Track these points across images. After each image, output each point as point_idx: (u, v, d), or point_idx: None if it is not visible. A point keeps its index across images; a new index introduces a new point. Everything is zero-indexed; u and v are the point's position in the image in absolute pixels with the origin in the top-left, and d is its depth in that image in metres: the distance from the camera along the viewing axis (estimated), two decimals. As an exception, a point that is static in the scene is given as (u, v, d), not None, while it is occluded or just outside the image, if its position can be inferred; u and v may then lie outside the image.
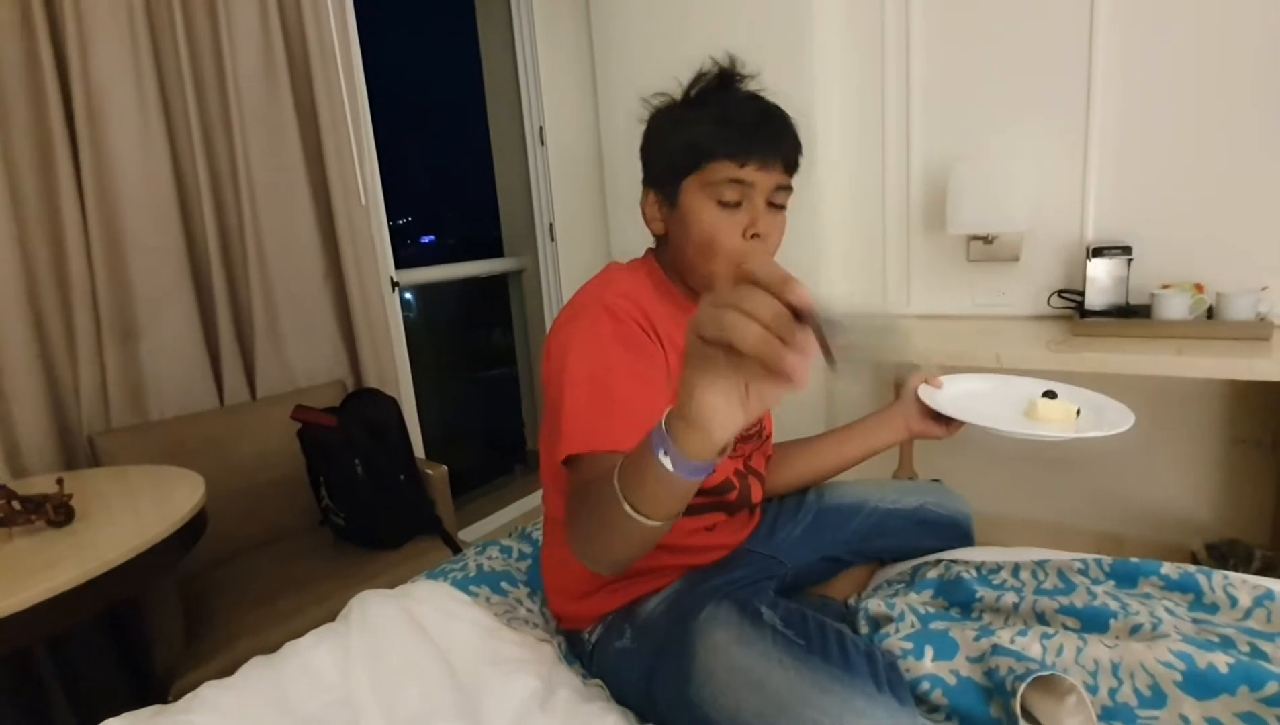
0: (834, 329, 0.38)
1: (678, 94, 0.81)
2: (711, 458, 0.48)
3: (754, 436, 0.89)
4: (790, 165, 0.78)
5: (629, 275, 0.81)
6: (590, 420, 0.67)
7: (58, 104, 1.37)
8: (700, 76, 0.80)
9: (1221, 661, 0.62)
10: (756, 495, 0.89)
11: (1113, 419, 0.85)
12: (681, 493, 0.52)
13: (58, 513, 1.01)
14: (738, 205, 0.75)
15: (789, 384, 0.39)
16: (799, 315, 0.38)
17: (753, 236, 0.75)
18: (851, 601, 0.87)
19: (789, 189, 0.79)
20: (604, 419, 0.66)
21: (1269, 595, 0.73)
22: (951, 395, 0.93)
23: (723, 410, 0.44)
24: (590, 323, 0.73)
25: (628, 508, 0.53)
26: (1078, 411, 0.88)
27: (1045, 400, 0.90)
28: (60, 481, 1.04)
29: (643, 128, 0.83)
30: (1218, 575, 0.77)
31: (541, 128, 2.42)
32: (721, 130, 0.74)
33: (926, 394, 0.92)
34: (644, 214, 0.83)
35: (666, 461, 0.48)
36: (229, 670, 0.76)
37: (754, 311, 0.38)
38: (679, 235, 0.79)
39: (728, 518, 0.87)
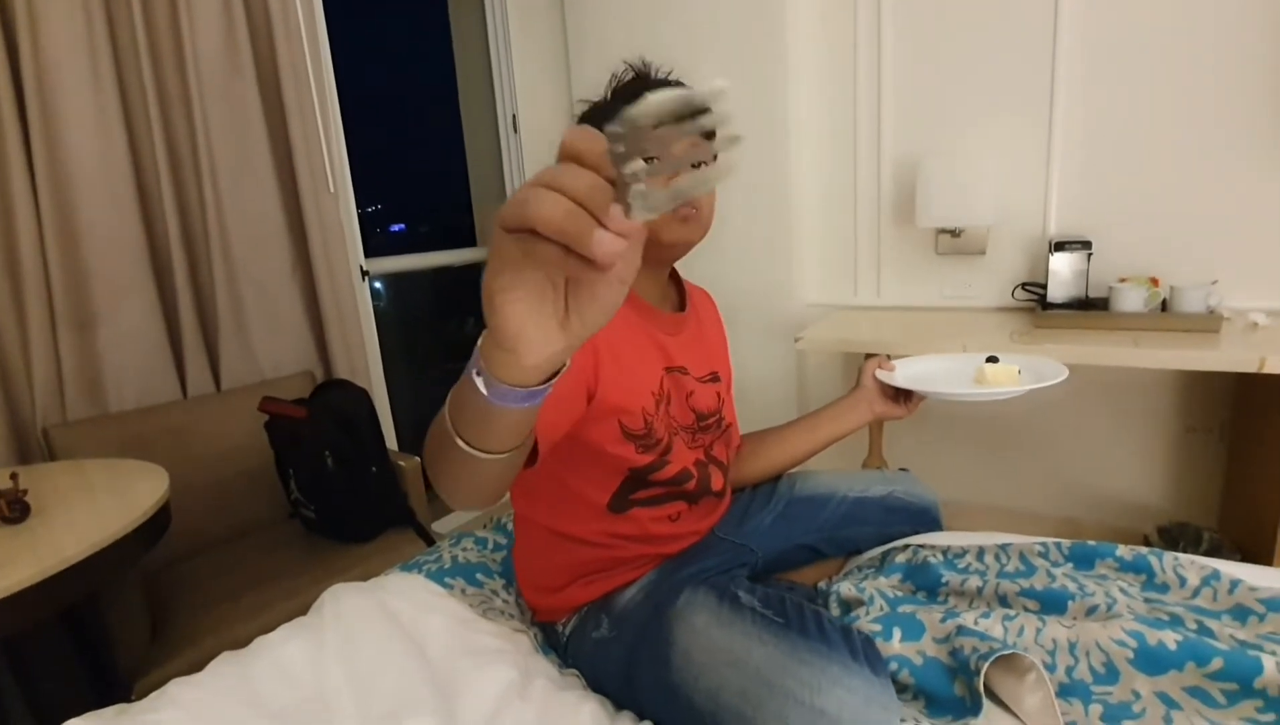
0: (632, 151, 0.29)
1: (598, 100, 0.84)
2: (531, 383, 0.40)
3: (713, 426, 0.90)
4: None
5: None
6: None
7: (6, 80, 1.31)
8: (614, 79, 0.84)
9: (1170, 639, 0.65)
10: (717, 483, 0.90)
11: (1050, 373, 0.93)
12: (509, 423, 0.45)
13: (12, 508, 0.98)
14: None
15: (597, 272, 0.31)
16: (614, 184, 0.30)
17: None
18: (822, 585, 0.89)
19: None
20: None
21: (1215, 575, 0.76)
22: (906, 375, 0.99)
23: (531, 326, 0.36)
24: None
25: (456, 437, 0.46)
26: (1019, 371, 0.95)
27: (990, 365, 0.97)
28: (14, 476, 1.01)
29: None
30: (1168, 557, 0.81)
31: (515, 115, 2.39)
32: (632, 98, 0.77)
33: (884, 375, 0.98)
34: None
35: (480, 385, 0.41)
36: (196, 668, 0.75)
37: (564, 184, 0.30)
38: None
39: (690, 506, 0.88)
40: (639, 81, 0.82)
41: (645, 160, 0.30)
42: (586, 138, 0.31)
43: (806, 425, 1.03)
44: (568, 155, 0.31)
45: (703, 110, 0.30)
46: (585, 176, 0.30)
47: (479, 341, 0.41)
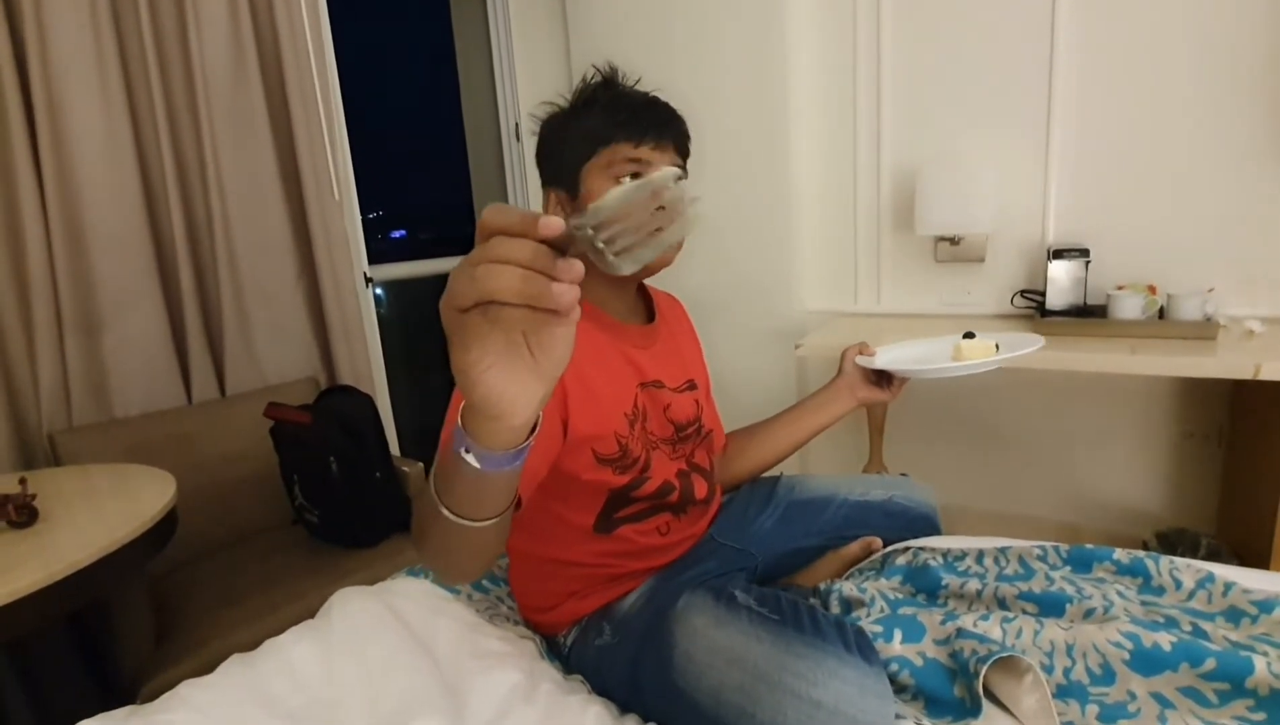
0: (603, 229, 0.34)
1: (565, 104, 0.84)
2: (521, 443, 0.44)
3: (692, 435, 0.90)
4: (681, 149, 0.83)
5: None
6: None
7: (14, 90, 1.33)
8: (585, 82, 0.84)
9: (1165, 640, 0.67)
10: (700, 491, 0.89)
11: (1024, 345, 0.94)
12: (500, 487, 0.48)
13: (20, 513, 0.99)
14: None
15: (560, 318, 0.35)
16: (557, 247, 0.34)
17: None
18: (823, 585, 0.90)
19: (683, 170, 0.84)
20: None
21: (1210, 578, 0.78)
22: (885, 359, 1.00)
23: (513, 386, 0.39)
24: None
25: (446, 512, 0.49)
26: (996, 346, 0.96)
27: (967, 341, 0.98)
28: (23, 481, 1.01)
29: (535, 138, 0.86)
30: (1164, 560, 0.82)
31: (518, 124, 2.41)
32: (615, 115, 0.78)
33: (864, 360, 0.99)
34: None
35: (472, 460, 0.44)
36: (200, 671, 0.76)
37: (508, 256, 0.34)
38: None
39: (676, 517, 0.88)
40: (607, 87, 0.82)
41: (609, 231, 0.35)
42: (508, 215, 0.35)
43: (791, 417, 1.04)
44: (494, 231, 0.34)
45: (660, 189, 0.35)
46: (526, 245, 0.34)
47: (457, 423, 0.44)
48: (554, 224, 0.34)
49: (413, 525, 0.59)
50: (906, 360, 1.01)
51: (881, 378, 1.00)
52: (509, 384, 0.39)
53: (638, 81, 0.85)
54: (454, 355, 0.38)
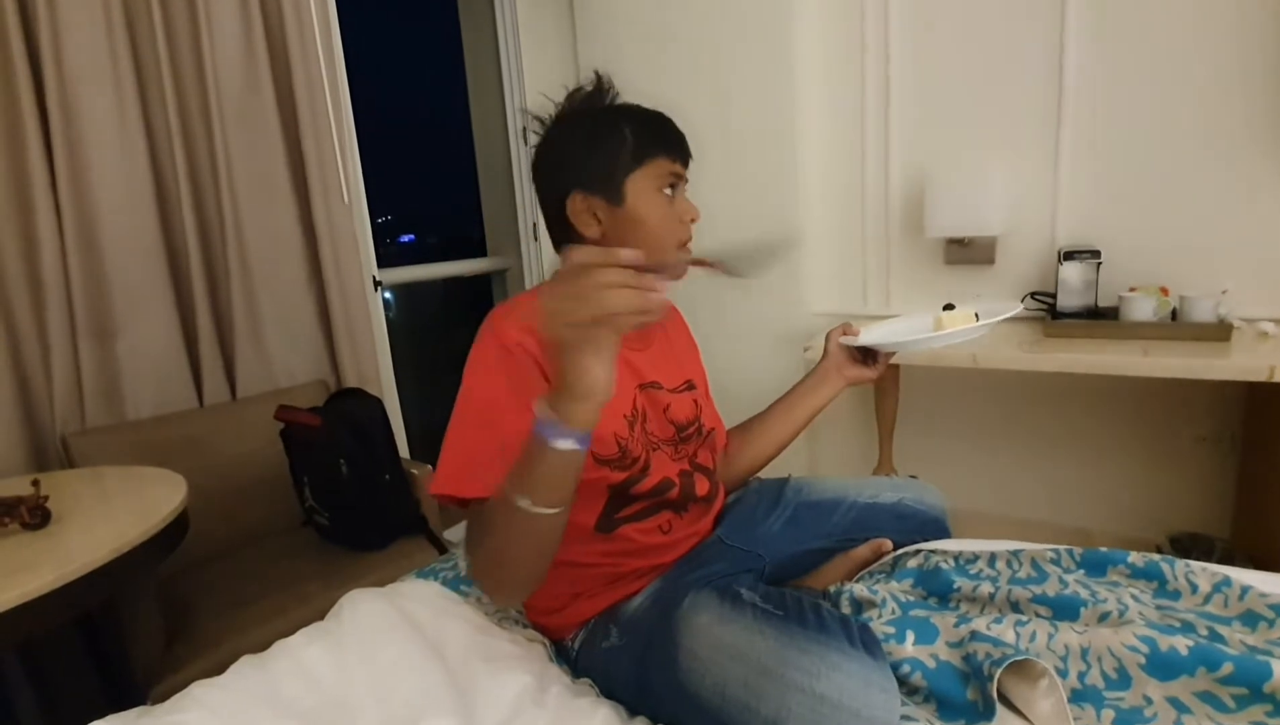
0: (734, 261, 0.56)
1: (554, 111, 0.88)
2: (595, 421, 0.56)
3: (694, 435, 0.91)
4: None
5: (535, 301, 0.78)
6: (462, 463, 0.71)
7: (30, 95, 1.34)
8: (578, 90, 0.88)
9: (1182, 644, 0.66)
10: (701, 489, 0.90)
11: (1004, 310, 0.95)
12: (576, 467, 0.59)
13: (33, 515, 0.99)
14: (672, 195, 0.84)
15: (653, 316, 0.51)
16: (637, 268, 0.50)
17: (691, 221, 0.86)
18: (833, 588, 0.89)
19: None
20: (475, 464, 0.70)
21: (1226, 582, 0.77)
22: (869, 337, 1.02)
23: (604, 375, 0.54)
24: (480, 353, 0.76)
25: (527, 504, 0.58)
26: (976, 315, 0.96)
27: (947, 312, 0.99)
28: (36, 483, 1.02)
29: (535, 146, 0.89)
30: (1180, 564, 0.81)
31: (526, 128, 2.42)
32: (654, 132, 0.84)
33: (848, 340, 1.01)
34: (571, 219, 0.83)
35: (571, 443, 0.56)
36: (211, 672, 0.76)
37: (615, 281, 0.48)
38: (626, 229, 0.82)
39: (677, 515, 0.88)
40: (596, 96, 0.86)
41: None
42: (591, 253, 0.50)
43: (785, 406, 1.05)
44: (581, 267, 0.49)
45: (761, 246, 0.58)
46: (620, 272, 0.50)
47: (543, 415, 0.56)
48: (630, 254, 0.50)
49: (474, 552, 0.68)
50: (888, 336, 1.03)
51: (867, 355, 1.01)
52: (602, 372, 0.54)
53: (618, 96, 0.88)
54: (571, 357, 0.53)
